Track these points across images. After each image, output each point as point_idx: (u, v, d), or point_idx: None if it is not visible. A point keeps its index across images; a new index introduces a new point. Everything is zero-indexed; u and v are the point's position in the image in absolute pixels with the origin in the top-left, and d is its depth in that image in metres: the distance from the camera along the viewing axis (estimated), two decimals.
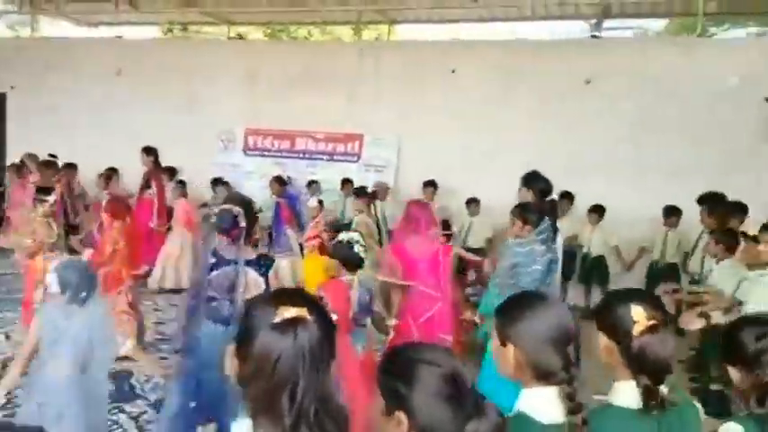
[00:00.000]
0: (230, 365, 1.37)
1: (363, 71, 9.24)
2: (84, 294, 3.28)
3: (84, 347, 3.25)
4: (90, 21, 12.23)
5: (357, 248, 3.74)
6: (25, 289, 5.32)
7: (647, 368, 1.65)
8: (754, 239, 4.54)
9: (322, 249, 6.37)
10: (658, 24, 13.14)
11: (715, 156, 7.73)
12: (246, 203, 3.69)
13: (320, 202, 7.20)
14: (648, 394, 1.63)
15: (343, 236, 3.85)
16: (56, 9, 10.96)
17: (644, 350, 1.65)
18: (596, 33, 9.03)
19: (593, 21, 9.98)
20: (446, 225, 6.36)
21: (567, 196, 7.80)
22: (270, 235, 8.03)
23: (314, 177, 8.99)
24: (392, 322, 4.19)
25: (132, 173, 9.51)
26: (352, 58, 9.33)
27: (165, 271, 7.94)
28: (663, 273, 7.34)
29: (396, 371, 1.31)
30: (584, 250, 7.82)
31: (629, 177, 8.07)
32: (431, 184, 8.32)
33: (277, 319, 1.27)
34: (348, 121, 9.21)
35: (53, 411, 3.20)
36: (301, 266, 6.99)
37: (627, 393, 1.68)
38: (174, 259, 7.95)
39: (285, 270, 7.39)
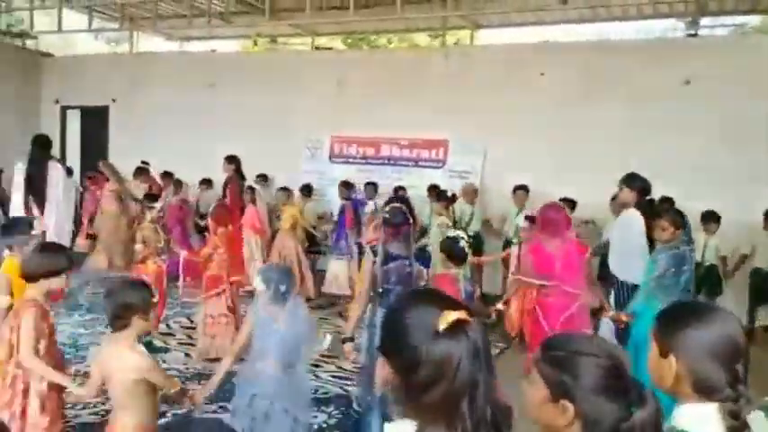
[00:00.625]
0: (383, 374, 1.38)
1: (449, 77, 9.24)
2: (284, 292, 3.43)
3: (290, 344, 3.41)
4: (183, 35, 12.85)
5: (462, 244, 4.10)
6: None
7: None
8: None
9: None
10: (755, 20, 12.47)
11: None
12: (408, 203, 4.04)
13: (375, 204, 7.64)
14: None
15: (450, 233, 4.32)
16: (153, 25, 11.55)
17: None
18: (693, 32, 8.62)
19: (689, 19, 9.58)
20: None
21: (668, 201, 7.52)
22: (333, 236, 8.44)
23: (400, 183, 9.04)
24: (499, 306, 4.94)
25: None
26: (437, 64, 9.35)
27: None
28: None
29: (559, 362, 1.35)
30: (697, 259, 7.43)
31: (726, 181, 7.70)
32: (522, 188, 8.21)
33: (444, 324, 1.26)
34: (434, 126, 9.22)
35: (263, 406, 3.39)
36: (355, 268, 7.25)
37: None
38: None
39: (340, 272, 8.02)
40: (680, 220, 4.35)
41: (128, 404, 2.78)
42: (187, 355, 5.82)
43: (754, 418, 1.58)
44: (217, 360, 5.54)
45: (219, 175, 9.79)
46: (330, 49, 12.09)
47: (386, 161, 9.66)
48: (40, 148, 6.76)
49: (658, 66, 8.12)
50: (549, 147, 8.57)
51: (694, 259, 4.55)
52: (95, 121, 11.91)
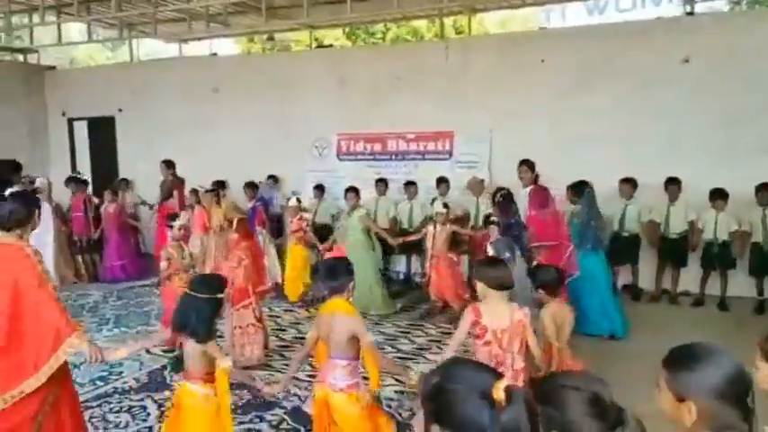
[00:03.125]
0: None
1: (450, 68, 9.32)
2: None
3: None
4: (181, 37, 12.88)
5: None
6: (165, 310, 5.82)
7: None
8: None
9: (306, 240, 7.83)
10: None
11: None
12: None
13: (298, 200, 8.34)
14: None
15: None
16: (152, 31, 11.61)
17: None
18: (690, 10, 8.66)
19: None
20: None
21: (675, 182, 7.68)
22: None
23: (409, 177, 9.17)
24: None
25: (236, 184, 10.06)
26: (438, 56, 9.42)
27: None
28: None
29: (546, 398, 1.51)
30: (708, 236, 7.59)
31: (724, 159, 7.83)
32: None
33: (500, 394, 1.32)
34: (438, 118, 9.33)
35: None
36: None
37: None
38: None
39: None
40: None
41: None
42: None
43: None
44: (247, 368, 5.79)
45: (230, 178, 10.00)
46: (330, 46, 12.15)
47: (394, 156, 9.78)
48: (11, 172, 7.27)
49: (657, 46, 8.19)
50: (552, 132, 8.67)
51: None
52: (103, 132, 12.06)
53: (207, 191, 8.58)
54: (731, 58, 7.82)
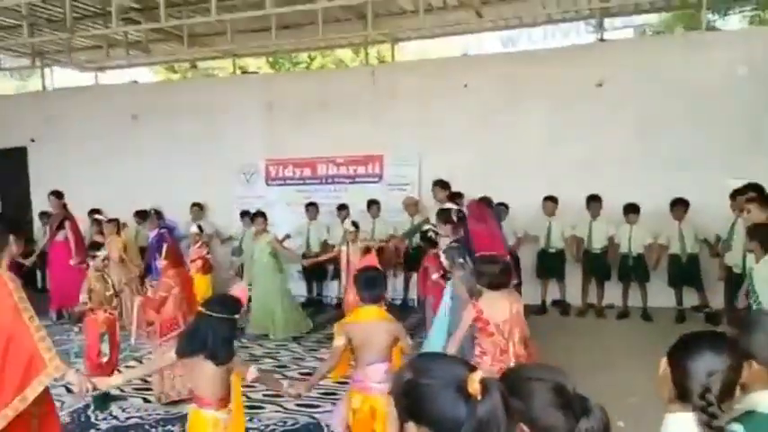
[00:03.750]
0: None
1: (377, 93, 9.44)
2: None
3: None
4: (97, 66, 12.47)
5: None
6: (89, 345, 5.49)
7: None
8: None
9: (205, 268, 7.61)
10: (657, 18, 13.37)
11: (722, 146, 7.91)
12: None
13: (199, 226, 8.26)
14: None
15: None
16: (68, 59, 11.18)
17: None
18: (602, 37, 9.19)
19: (593, 22, 10.20)
20: None
21: (596, 199, 8.01)
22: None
23: (340, 201, 9.16)
24: None
25: (165, 212, 9.73)
26: (364, 81, 9.53)
27: None
28: (686, 268, 7.68)
29: (513, 389, 1.46)
30: (624, 250, 7.94)
31: (640, 173, 8.25)
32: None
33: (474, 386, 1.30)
34: (367, 142, 9.38)
35: None
36: None
37: None
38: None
39: None
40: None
41: None
42: (146, 400, 5.73)
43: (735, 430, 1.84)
44: (180, 401, 5.53)
45: (152, 206, 9.67)
46: (256, 72, 12.06)
47: (324, 180, 9.75)
48: None
49: (572, 70, 8.60)
50: (477, 154, 8.89)
51: None
52: (13, 163, 11.41)
53: (108, 221, 8.58)
54: (641, 81, 8.30)
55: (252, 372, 3.35)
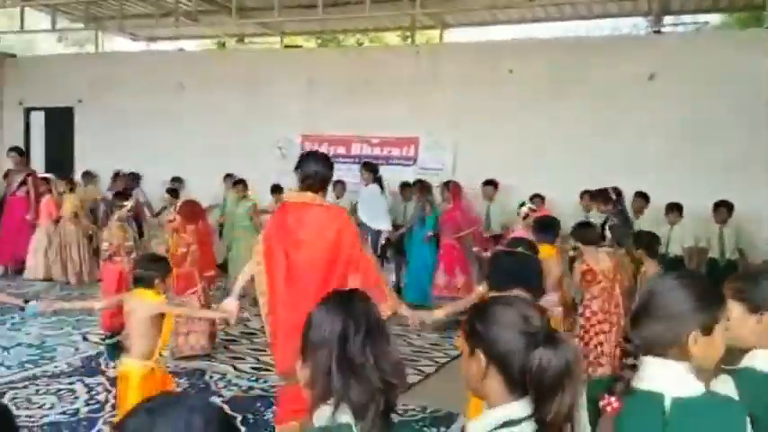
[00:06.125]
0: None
1: (419, 75, 9.29)
2: None
3: None
4: (149, 35, 12.67)
5: None
6: (103, 291, 5.53)
7: None
8: None
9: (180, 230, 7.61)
10: (716, 19, 12.83)
11: None
12: None
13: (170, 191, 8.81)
14: None
15: None
16: (119, 25, 11.37)
17: None
18: (658, 29, 8.82)
19: (652, 17, 9.81)
20: None
21: (643, 196, 7.68)
22: None
23: None
24: None
25: (195, 181, 9.83)
26: (408, 63, 9.39)
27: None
28: (723, 274, 7.19)
29: (478, 318, 1.46)
30: (661, 250, 7.55)
31: (684, 173, 7.89)
32: (491, 183, 8.30)
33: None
34: (405, 124, 9.26)
35: None
36: None
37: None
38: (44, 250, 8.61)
39: None
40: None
41: None
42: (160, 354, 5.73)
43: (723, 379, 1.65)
44: (193, 357, 5.51)
45: (189, 174, 9.76)
46: (300, 47, 12.03)
47: (357, 159, 9.65)
48: None
49: (623, 62, 8.28)
50: (517, 142, 8.67)
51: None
52: (60, 123, 11.67)
53: (59, 178, 9.03)
54: (695, 77, 7.92)
55: None
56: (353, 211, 8.38)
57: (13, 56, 12.60)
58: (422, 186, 7.96)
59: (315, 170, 3.51)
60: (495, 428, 1.36)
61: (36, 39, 16.45)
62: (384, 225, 8.19)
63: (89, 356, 5.57)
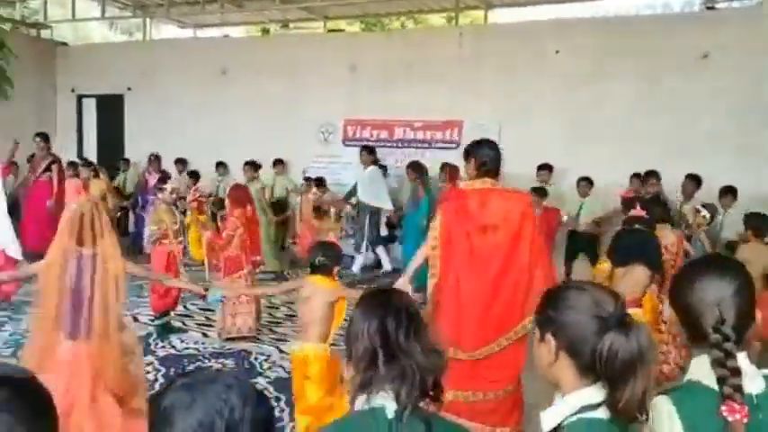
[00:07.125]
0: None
1: (462, 57, 9.17)
2: None
3: None
4: (196, 22, 12.86)
5: None
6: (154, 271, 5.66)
7: None
8: None
9: (200, 209, 7.51)
10: None
11: None
12: None
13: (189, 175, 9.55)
14: None
15: None
16: (166, 12, 11.57)
17: None
18: (712, 5, 8.47)
19: None
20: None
21: (694, 178, 7.42)
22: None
23: None
24: None
25: (238, 167, 9.94)
26: (451, 45, 9.27)
27: None
28: None
29: (549, 303, 1.48)
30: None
31: (735, 157, 7.61)
32: (546, 168, 8.15)
33: None
34: (448, 108, 9.17)
35: None
36: None
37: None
38: None
39: None
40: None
41: None
42: (205, 335, 5.88)
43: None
44: (240, 339, 5.63)
45: (233, 160, 9.89)
46: (342, 31, 12.01)
47: (399, 143, 9.63)
48: None
49: (674, 40, 8.00)
50: (564, 124, 8.51)
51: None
52: (111, 110, 11.98)
53: (84, 164, 9.31)
54: (750, 56, 7.61)
55: None
56: (353, 192, 8.81)
57: (65, 44, 12.96)
58: (415, 167, 7.97)
59: (490, 156, 3.54)
60: (572, 414, 1.35)
61: (87, 27, 16.87)
62: (384, 204, 8.54)
63: (139, 337, 5.71)
